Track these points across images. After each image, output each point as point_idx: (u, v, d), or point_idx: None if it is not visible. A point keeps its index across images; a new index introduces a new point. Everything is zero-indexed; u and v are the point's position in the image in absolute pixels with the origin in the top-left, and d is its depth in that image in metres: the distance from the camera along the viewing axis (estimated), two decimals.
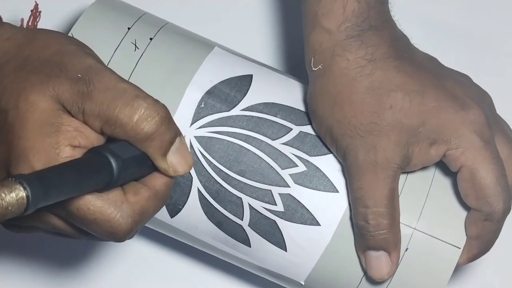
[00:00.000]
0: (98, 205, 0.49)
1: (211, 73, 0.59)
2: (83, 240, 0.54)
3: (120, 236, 0.50)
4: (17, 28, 0.53)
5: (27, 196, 0.41)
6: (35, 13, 0.60)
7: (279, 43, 0.74)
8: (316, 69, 0.58)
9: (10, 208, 0.40)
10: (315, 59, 0.58)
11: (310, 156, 0.58)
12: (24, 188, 0.41)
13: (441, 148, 0.56)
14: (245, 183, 0.58)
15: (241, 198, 0.58)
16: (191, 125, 0.58)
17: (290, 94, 0.60)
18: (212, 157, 0.58)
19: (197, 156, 0.58)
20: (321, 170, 0.58)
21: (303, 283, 0.59)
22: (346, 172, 0.57)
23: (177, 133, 0.51)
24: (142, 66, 0.59)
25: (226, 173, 0.58)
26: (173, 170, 0.51)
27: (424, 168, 0.58)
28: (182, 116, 0.58)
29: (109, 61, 0.59)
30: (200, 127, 0.58)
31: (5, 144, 0.49)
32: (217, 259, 0.64)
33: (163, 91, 0.58)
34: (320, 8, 0.58)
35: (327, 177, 0.58)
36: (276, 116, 0.59)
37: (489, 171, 0.56)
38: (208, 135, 0.58)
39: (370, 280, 0.58)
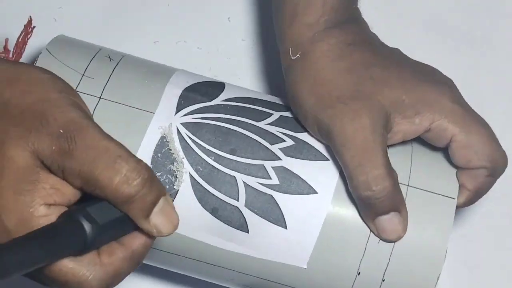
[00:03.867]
0: (70, 266, 0.48)
1: (186, 77, 0.61)
2: None
3: None
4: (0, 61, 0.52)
5: None
6: (27, 28, 0.61)
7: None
8: (295, 57, 0.59)
9: None
10: (294, 48, 0.59)
11: (296, 132, 0.59)
12: None
13: (426, 118, 0.56)
14: (237, 161, 0.58)
15: (235, 177, 0.57)
16: (175, 114, 0.59)
17: (262, 94, 0.62)
18: (200, 140, 0.58)
19: (186, 141, 0.58)
20: (308, 143, 0.58)
21: (305, 266, 0.57)
22: (334, 147, 0.57)
23: (160, 193, 0.50)
24: (119, 72, 0.60)
25: (217, 154, 0.58)
26: (157, 231, 0.50)
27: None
28: (165, 108, 0.58)
29: (85, 70, 0.59)
30: (185, 115, 0.59)
31: None
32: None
33: (143, 90, 0.59)
34: (299, 4, 0.59)
35: (315, 148, 0.58)
36: (255, 105, 0.60)
37: (480, 131, 0.57)
38: (194, 121, 0.58)
39: (374, 246, 0.57)
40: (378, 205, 0.55)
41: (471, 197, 0.59)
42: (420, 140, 0.59)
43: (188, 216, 0.57)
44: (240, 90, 0.61)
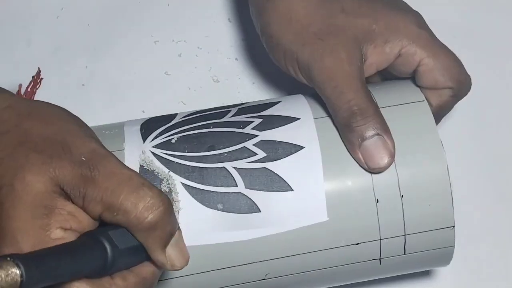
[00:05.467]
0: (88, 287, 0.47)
1: (138, 120, 0.62)
2: None
3: None
4: (17, 97, 0.53)
5: (21, 274, 0.41)
6: (36, 79, 0.61)
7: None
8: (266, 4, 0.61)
9: (1, 284, 0.40)
10: None
11: (259, 112, 0.60)
12: (18, 266, 0.41)
13: (395, 45, 0.59)
14: (220, 153, 0.58)
15: (224, 167, 0.57)
16: (144, 142, 0.59)
17: (215, 108, 0.63)
18: (177, 151, 0.58)
19: (165, 158, 0.58)
20: (274, 115, 0.60)
21: (327, 218, 0.57)
22: (315, 83, 0.59)
23: (176, 225, 0.50)
24: None
25: (199, 155, 0.58)
26: (171, 264, 0.50)
27: None
28: (132, 141, 0.59)
29: None
30: (153, 139, 0.59)
31: None
32: None
33: (105, 140, 0.57)
34: None
35: (283, 115, 0.60)
36: (212, 111, 0.61)
37: (447, 55, 0.60)
38: (163, 140, 0.59)
39: (379, 177, 0.57)
40: (361, 127, 0.57)
41: (434, 112, 0.60)
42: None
43: (197, 222, 0.57)
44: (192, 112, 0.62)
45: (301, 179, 0.57)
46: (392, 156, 0.57)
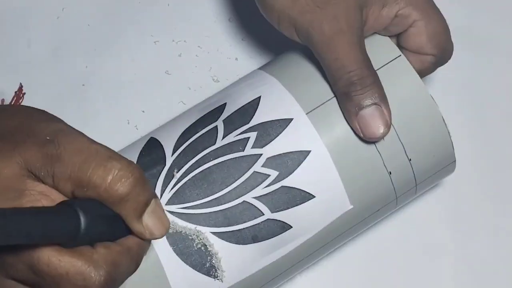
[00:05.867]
0: (68, 257, 0.47)
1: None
2: None
3: None
4: None
5: None
6: (19, 94, 0.61)
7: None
8: None
9: None
10: None
11: (248, 123, 0.58)
12: None
13: (392, 8, 0.59)
14: (233, 188, 0.57)
15: (243, 200, 0.57)
16: None
17: (191, 111, 0.62)
18: (193, 201, 0.57)
19: (184, 213, 0.57)
20: (265, 121, 0.58)
21: (351, 205, 0.58)
22: (315, 50, 0.58)
23: (152, 194, 0.50)
24: None
25: (214, 198, 0.57)
26: (149, 232, 0.50)
27: None
28: None
29: None
30: (161, 196, 0.57)
31: None
32: None
33: None
34: None
35: (274, 120, 0.58)
36: (198, 132, 0.59)
37: (439, 21, 0.60)
38: (172, 193, 0.57)
39: (384, 144, 0.58)
40: (359, 96, 0.57)
41: None
42: None
43: (240, 262, 0.57)
44: (174, 128, 0.60)
45: (318, 182, 0.57)
46: (388, 126, 0.57)
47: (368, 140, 0.58)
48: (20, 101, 0.60)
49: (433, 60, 0.61)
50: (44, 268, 0.46)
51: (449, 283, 0.69)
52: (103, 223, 0.48)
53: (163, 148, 0.59)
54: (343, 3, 0.58)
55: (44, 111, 0.52)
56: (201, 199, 0.57)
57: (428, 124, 0.59)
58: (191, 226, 0.56)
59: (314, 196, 0.57)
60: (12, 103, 0.59)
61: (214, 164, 0.57)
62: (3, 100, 0.59)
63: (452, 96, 0.73)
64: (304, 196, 0.57)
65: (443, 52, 0.61)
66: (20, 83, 0.60)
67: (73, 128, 0.50)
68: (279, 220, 0.57)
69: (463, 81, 0.73)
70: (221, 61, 0.74)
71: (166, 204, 0.57)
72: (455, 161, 0.60)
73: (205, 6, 0.76)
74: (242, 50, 0.74)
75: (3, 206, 0.46)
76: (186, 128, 0.60)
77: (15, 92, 0.61)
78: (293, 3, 0.59)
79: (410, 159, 0.59)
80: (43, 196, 0.47)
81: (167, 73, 0.73)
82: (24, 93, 0.60)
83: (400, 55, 0.59)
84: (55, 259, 0.46)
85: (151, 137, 0.60)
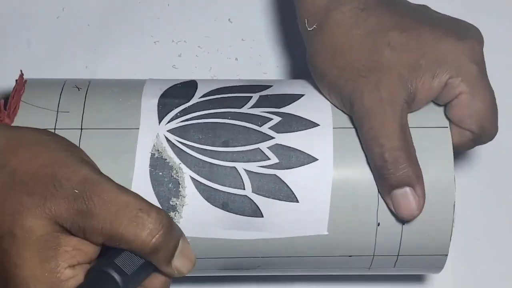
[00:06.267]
0: None
1: (157, 85, 0.61)
2: None
3: None
4: None
5: None
6: (20, 85, 0.59)
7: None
8: (311, 29, 0.59)
9: None
10: (310, 19, 0.59)
11: (279, 108, 0.59)
12: None
13: (443, 78, 0.57)
14: (232, 152, 0.57)
15: (235, 167, 0.57)
16: (159, 123, 0.58)
17: (235, 81, 0.62)
18: (192, 141, 0.58)
19: (178, 147, 0.58)
20: (294, 115, 0.59)
21: (326, 232, 0.57)
22: (355, 120, 0.57)
23: (179, 236, 0.51)
24: (91, 99, 0.59)
25: (211, 150, 0.57)
26: (178, 272, 0.51)
27: None
28: (147, 120, 0.58)
29: (58, 106, 0.59)
30: (168, 122, 0.58)
31: (1, 271, 0.48)
32: None
33: (120, 109, 0.59)
34: None
35: (302, 118, 0.58)
36: (232, 93, 0.60)
37: (485, 98, 0.57)
38: (179, 125, 0.58)
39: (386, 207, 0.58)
40: (391, 177, 0.55)
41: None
42: None
43: (200, 217, 0.57)
44: (213, 83, 0.61)
45: (308, 192, 0.57)
46: (420, 209, 0.56)
47: (399, 218, 0.57)
48: (22, 92, 0.59)
49: (471, 137, 0.58)
50: None
51: (449, 283, 0.69)
52: (136, 276, 0.49)
53: (196, 89, 0.60)
54: (387, 73, 0.56)
55: (63, 140, 0.52)
56: (200, 144, 0.57)
57: (438, 206, 0.57)
58: (177, 160, 0.57)
59: (298, 201, 0.57)
60: (14, 97, 0.59)
61: (229, 123, 0.58)
62: (1, 102, 0.58)
63: None
64: (289, 195, 0.57)
65: (482, 131, 0.58)
66: (21, 71, 0.59)
67: (99, 174, 0.50)
68: (255, 203, 0.57)
69: None
70: (221, 61, 0.74)
71: (168, 131, 0.58)
72: (446, 255, 0.59)
73: (205, 6, 0.76)
74: (242, 50, 0.74)
75: (43, 267, 0.47)
76: (225, 87, 0.61)
77: (16, 81, 0.59)
78: (341, 72, 0.57)
79: (404, 223, 0.57)
80: (77, 251, 0.48)
81: (167, 73, 0.73)
82: (26, 81, 0.59)
83: (447, 127, 0.58)
84: None
85: (193, 80, 0.61)
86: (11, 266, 0.47)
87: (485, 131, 0.58)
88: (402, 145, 0.55)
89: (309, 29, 0.59)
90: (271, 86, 0.61)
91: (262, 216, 0.57)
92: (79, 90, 0.60)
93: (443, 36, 0.57)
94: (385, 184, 0.56)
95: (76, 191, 0.48)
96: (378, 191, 0.57)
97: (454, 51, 0.57)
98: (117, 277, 0.48)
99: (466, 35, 0.58)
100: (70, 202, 0.47)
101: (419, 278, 0.69)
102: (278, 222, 0.57)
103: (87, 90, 0.60)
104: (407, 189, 0.56)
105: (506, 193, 0.72)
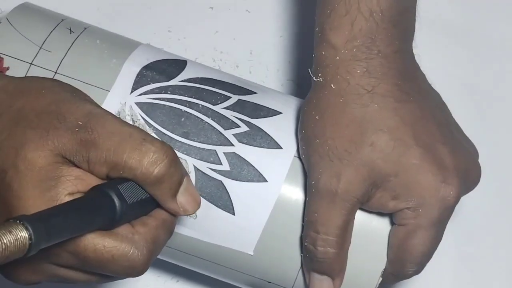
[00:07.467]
0: (112, 241, 0.48)
1: (147, 54, 0.60)
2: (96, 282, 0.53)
3: (139, 269, 0.49)
4: (8, 77, 0.53)
5: (30, 236, 0.41)
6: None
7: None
8: (317, 80, 0.56)
9: (11, 249, 0.40)
10: (318, 71, 0.56)
11: (251, 118, 0.58)
12: (26, 229, 0.41)
13: (400, 205, 0.54)
14: (189, 145, 0.57)
15: (186, 161, 0.57)
16: (131, 92, 0.58)
17: (225, 75, 0.61)
18: (154, 121, 0.57)
19: (140, 122, 0.57)
20: (263, 130, 0.57)
21: (252, 253, 0.57)
22: (307, 189, 0.56)
23: (184, 173, 0.51)
24: (78, 46, 0.59)
25: (169, 136, 0.57)
26: (183, 210, 0.51)
27: None
28: (121, 86, 0.58)
29: (43, 42, 0.58)
30: (140, 94, 0.58)
31: (3, 204, 0.48)
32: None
33: (100, 66, 0.58)
34: (328, 22, 0.56)
35: (269, 136, 0.57)
36: (214, 87, 0.59)
37: (423, 245, 0.55)
38: (149, 101, 0.58)
39: None
40: (315, 263, 0.55)
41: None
42: None
43: None
44: (202, 70, 0.60)
45: (247, 209, 0.56)
46: None
47: None
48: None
49: (390, 270, 0.57)
50: (90, 255, 0.48)
51: (449, 283, 0.69)
52: (137, 206, 0.49)
53: (181, 71, 0.59)
54: (354, 170, 0.53)
55: (68, 85, 0.52)
56: (161, 126, 0.57)
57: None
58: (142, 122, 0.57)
59: (234, 214, 0.56)
60: None
61: (196, 116, 0.57)
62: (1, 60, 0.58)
63: (452, 96, 0.69)
64: (227, 206, 0.56)
65: (399, 267, 0.56)
66: (0, 55, 0.59)
67: (102, 109, 0.50)
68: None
69: (463, 81, 0.72)
70: (221, 61, 0.74)
71: (136, 103, 0.57)
72: None
73: (205, 6, 0.75)
74: (243, 50, 0.74)
75: (44, 196, 0.47)
76: (210, 78, 0.59)
77: None
78: (314, 138, 0.55)
79: None
80: (79, 180, 0.48)
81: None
82: (8, 68, 0.59)
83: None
84: (100, 245, 0.47)
85: (184, 60, 0.60)
86: (14, 198, 0.47)
87: (403, 270, 0.56)
88: (337, 242, 0.55)
89: (315, 79, 0.56)
90: (255, 93, 0.59)
91: (196, 217, 0.57)
92: (71, 33, 0.59)
93: (428, 168, 0.54)
94: (309, 263, 0.56)
95: (80, 123, 0.48)
96: (301, 263, 0.57)
97: (429, 188, 0.54)
98: (116, 201, 0.47)
99: (453, 180, 0.55)
100: (73, 133, 0.48)
101: (418, 279, 0.67)
102: (209, 228, 0.57)
103: (79, 35, 0.59)
104: (325, 278, 0.56)
105: (506, 193, 0.71)
